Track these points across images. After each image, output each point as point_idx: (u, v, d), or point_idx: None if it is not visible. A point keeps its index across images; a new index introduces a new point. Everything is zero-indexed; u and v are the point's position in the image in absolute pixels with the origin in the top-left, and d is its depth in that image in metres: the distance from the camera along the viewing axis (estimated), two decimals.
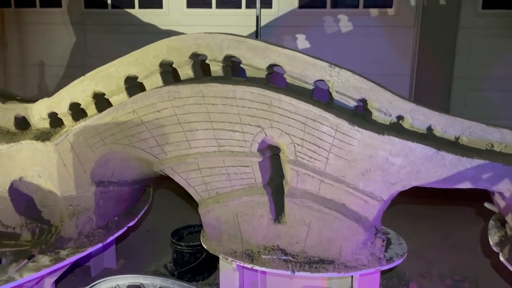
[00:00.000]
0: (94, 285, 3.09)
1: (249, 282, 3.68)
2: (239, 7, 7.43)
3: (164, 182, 4.31)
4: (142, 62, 3.45)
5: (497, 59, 6.87)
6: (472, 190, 3.12)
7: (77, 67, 7.96)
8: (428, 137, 3.12)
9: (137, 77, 3.50)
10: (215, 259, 4.29)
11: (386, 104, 3.14)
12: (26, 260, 3.24)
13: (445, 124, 3.11)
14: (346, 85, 3.15)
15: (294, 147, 3.17)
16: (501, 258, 3.16)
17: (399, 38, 7.01)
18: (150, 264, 4.61)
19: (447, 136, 3.13)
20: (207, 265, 4.35)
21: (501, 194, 3.06)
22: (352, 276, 3.46)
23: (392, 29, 7.01)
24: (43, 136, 3.64)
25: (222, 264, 3.64)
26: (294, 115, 3.10)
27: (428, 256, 4.76)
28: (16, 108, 3.79)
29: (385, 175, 3.09)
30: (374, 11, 7.01)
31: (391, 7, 6.98)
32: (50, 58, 8.25)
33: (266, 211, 3.32)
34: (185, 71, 3.42)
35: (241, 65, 3.35)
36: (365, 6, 7.07)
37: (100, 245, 3.56)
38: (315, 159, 3.15)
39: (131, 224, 3.91)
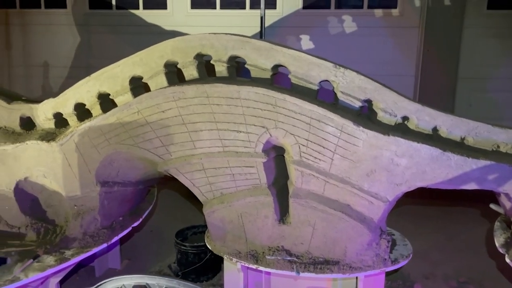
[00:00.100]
0: (100, 285, 3.10)
1: (253, 283, 3.67)
2: (243, 7, 7.44)
3: (168, 182, 4.31)
4: (147, 62, 3.45)
5: (502, 59, 6.85)
6: (477, 191, 3.11)
7: (82, 67, 7.98)
8: (433, 138, 3.11)
9: (142, 78, 3.50)
10: (219, 260, 4.29)
11: (391, 105, 3.13)
12: (31, 260, 3.25)
13: (450, 125, 3.10)
14: (351, 85, 3.15)
15: (299, 147, 3.16)
16: (507, 260, 3.14)
17: (404, 38, 7.00)
18: (154, 265, 4.61)
19: (452, 136, 3.11)
20: (211, 265, 4.35)
21: (507, 195, 3.04)
22: (356, 277, 3.45)
23: (397, 29, 7.00)
24: (48, 137, 3.65)
25: (227, 264, 3.64)
26: (299, 116, 3.10)
27: (432, 257, 4.74)
28: (22, 109, 3.80)
29: (390, 176, 3.08)
30: (378, 12, 7.00)
31: (395, 7, 6.97)
32: (54, 58, 8.28)
33: (270, 212, 3.31)
34: (190, 72, 3.42)
35: (246, 66, 3.35)
36: (370, 7, 7.06)
37: (104, 245, 3.57)
38: (320, 159, 3.14)
39: (135, 224, 3.91)
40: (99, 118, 3.48)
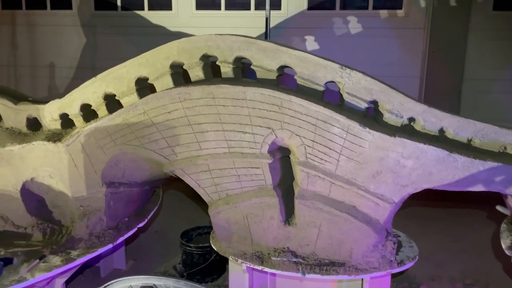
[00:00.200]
0: (107, 286, 3.10)
1: (258, 284, 3.67)
2: (248, 8, 7.45)
3: (173, 183, 4.31)
4: (152, 63, 3.46)
5: (507, 61, 6.81)
6: (483, 192, 3.09)
7: (87, 68, 8.02)
8: (440, 139, 3.09)
9: (147, 79, 3.51)
10: (224, 261, 4.29)
11: (397, 106, 3.12)
12: (38, 260, 3.27)
13: (457, 126, 3.08)
14: (357, 86, 3.14)
15: (305, 148, 3.16)
16: None
17: (409, 39, 6.98)
18: (159, 265, 4.62)
19: (459, 138, 3.10)
20: (216, 266, 4.35)
21: None
22: (362, 279, 3.44)
23: (402, 30, 6.98)
24: (55, 137, 3.67)
25: (232, 265, 3.64)
26: (304, 117, 3.09)
27: (438, 259, 4.72)
28: (28, 109, 3.82)
29: (396, 177, 3.07)
30: (383, 13, 6.98)
31: (400, 8, 6.95)
32: (60, 59, 8.32)
33: (276, 213, 3.31)
34: (196, 73, 3.42)
35: (252, 67, 3.35)
36: (375, 8, 7.04)
37: (110, 245, 3.57)
38: (325, 161, 3.14)
39: (141, 225, 3.92)
40: (105, 119, 3.49)
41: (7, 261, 3.24)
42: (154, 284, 3.03)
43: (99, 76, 3.62)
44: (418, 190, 3.10)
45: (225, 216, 3.42)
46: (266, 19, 6.50)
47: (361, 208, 3.17)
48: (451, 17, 6.79)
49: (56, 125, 3.82)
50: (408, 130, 3.13)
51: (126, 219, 3.86)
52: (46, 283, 3.40)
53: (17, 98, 3.92)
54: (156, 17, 7.73)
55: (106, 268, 4.41)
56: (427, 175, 3.01)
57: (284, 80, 3.46)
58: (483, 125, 3.06)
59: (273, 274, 3.63)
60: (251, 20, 7.30)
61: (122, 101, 3.60)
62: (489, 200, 3.50)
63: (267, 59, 3.27)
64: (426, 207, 5.75)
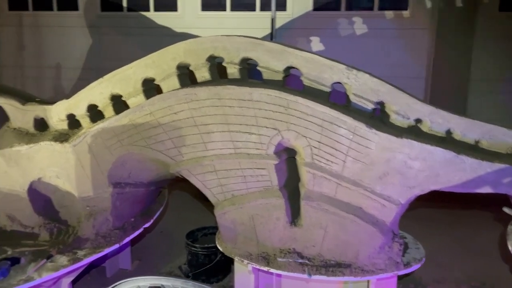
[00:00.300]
0: (115, 286, 3.11)
1: (264, 285, 3.66)
2: (253, 9, 7.45)
3: (178, 183, 4.32)
4: (159, 64, 3.47)
5: None
6: (490, 194, 3.07)
7: (93, 69, 8.06)
8: (447, 141, 3.08)
9: (154, 80, 3.52)
10: (230, 261, 4.29)
11: (404, 107, 3.11)
12: (45, 260, 3.28)
13: (464, 128, 3.07)
14: (364, 87, 3.13)
15: (311, 149, 3.15)
16: None
17: (414, 40, 6.95)
18: (164, 266, 4.63)
19: (466, 139, 3.08)
20: (222, 267, 4.35)
21: None
22: (368, 281, 3.43)
23: (407, 31, 6.96)
24: (62, 138, 3.68)
25: (237, 266, 3.64)
26: (311, 118, 3.09)
27: (444, 261, 4.70)
28: (36, 110, 3.84)
29: (403, 178, 3.05)
30: (389, 13, 6.97)
31: (406, 9, 6.93)
32: (66, 60, 8.37)
33: (282, 214, 3.30)
34: (202, 74, 3.43)
35: (258, 68, 3.35)
36: (380, 9, 7.03)
37: (116, 245, 3.59)
38: (332, 162, 3.13)
39: (147, 225, 3.93)
40: (111, 120, 3.50)
41: (15, 261, 3.26)
42: (162, 285, 3.03)
43: (106, 77, 3.64)
44: (425, 192, 3.09)
45: (231, 217, 3.42)
46: (272, 20, 6.50)
47: (367, 210, 3.16)
48: (457, 17, 6.76)
49: (63, 125, 3.84)
50: (415, 132, 3.12)
51: (132, 219, 3.87)
52: (53, 282, 3.41)
53: (24, 98, 3.94)
54: (161, 18, 7.75)
55: (112, 268, 4.42)
56: (434, 176, 3.00)
57: (289, 81, 3.46)
58: (490, 126, 3.04)
59: (279, 275, 3.63)
60: (256, 21, 7.30)
61: (128, 102, 3.61)
62: (495, 202, 3.47)
63: (274, 60, 3.27)
64: (432, 209, 5.72)
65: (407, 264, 3.27)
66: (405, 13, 6.93)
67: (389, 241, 3.21)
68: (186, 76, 3.51)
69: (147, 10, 7.81)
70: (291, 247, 3.34)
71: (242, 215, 3.39)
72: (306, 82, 3.25)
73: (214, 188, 3.45)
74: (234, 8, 7.46)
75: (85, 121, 3.77)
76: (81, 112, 3.74)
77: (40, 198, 3.81)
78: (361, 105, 3.17)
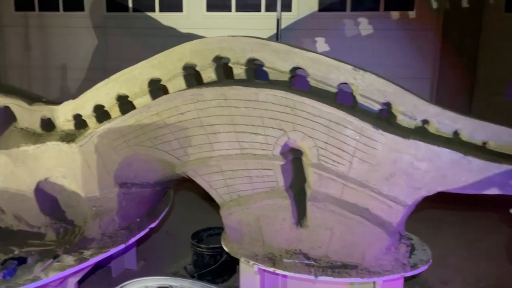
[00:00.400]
0: (123, 286, 3.12)
1: (269, 286, 3.66)
2: (259, 10, 7.46)
3: (184, 184, 4.33)
4: (165, 65, 3.48)
5: None
6: (497, 195, 3.05)
7: (99, 69, 8.10)
8: (454, 142, 3.07)
9: (160, 80, 3.53)
10: (235, 262, 4.29)
11: (411, 108, 3.10)
12: (51, 260, 3.29)
13: (472, 129, 3.05)
14: (371, 88, 3.12)
15: (317, 150, 3.15)
16: None
17: (420, 41, 6.95)
18: (170, 266, 4.63)
19: (474, 140, 3.06)
20: (227, 267, 4.34)
21: None
22: (374, 282, 3.41)
23: (413, 32, 6.94)
24: (68, 138, 3.70)
25: (243, 267, 3.64)
26: (317, 119, 3.09)
27: (451, 263, 4.67)
28: (42, 110, 3.85)
29: (409, 179, 3.04)
30: (395, 14, 6.96)
31: (412, 10, 6.91)
32: (72, 60, 8.42)
33: (288, 215, 3.30)
34: (208, 74, 3.43)
35: (264, 68, 3.35)
36: (386, 9, 7.01)
37: (122, 246, 3.59)
38: (338, 163, 3.13)
39: (152, 225, 3.93)
40: (118, 120, 3.51)
41: (21, 261, 3.27)
42: (170, 285, 3.04)
43: (112, 77, 3.65)
44: (432, 193, 3.08)
45: (236, 218, 3.42)
46: (277, 20, 6.50)
47: (374, 211, 3.15)
48: (463, 18, 6.74)
49: (70, 125, 3.85)
50: (421, 132, 3.11)
51: (138, 219, 3.88)
52: (59, 282, 3.42)
53: (31, 99, 3.96)
54: (167, 18, 7.78)
55: (117, 268, 4.43)
56: (441, 177, 2.99)
57: (295, 82, 3.46)
58: (498, 127, 3.02)
59: (284, 276, 3.62)
60: (262, 22, 7.31)
61: (134, 102, 3.62)
62: (502, 203, 3.45)
63: (280, 60, 3.27)
64: (438, 210, 5.69)
65: (413, 266, 3.26)
66: (411, 14, 6.92)
67: (395, 243, 3.20)
68: (192, 77, 3.52)
69: (153, 10, 7.85)
70: (297, 248, 3.33)
71: (248, 216, 3.39)
72: (312, 82, 3.25)
73: (220, 189, 3.45)
74: (239, 8, 7.48)
75: (91, 121, 3.78)
76: (87, 113, 3.76)
77: (47, 198, 3.82)
78: (368, 105, 3.16)
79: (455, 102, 6.85)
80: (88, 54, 8.27)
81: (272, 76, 3.35)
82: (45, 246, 3.54)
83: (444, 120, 3.07)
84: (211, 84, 3.35)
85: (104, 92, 3.68)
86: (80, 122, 3.82)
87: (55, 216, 3.80)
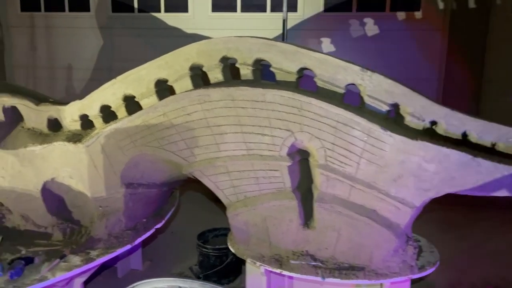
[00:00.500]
0: (133, 287, 3.11)
1: (276, 287, 3.65)
2: (264, 10, 7.46)
3: (189, 184, 4.32)
4: (172, 65, 3.48)
5: None
6: (506, 197, 3.03)
7: (104, 70, 8.12)
8: (463, 143, 3.04)
9: (167, 80, 3.53)
10: (241, 263, 4.28)
11: (419, 109, 3.08)
12: (58, 260, 3.30)
13: (481, 130, 3.02)
14: (378, 89, 3.11)
15: (325, 151, 3.13)
16: None
17: (427, 41, 6.91)
18: (175, 266, 4.62)
19: (483, 142, 3.04)
20: (233, 268, 4.34)
21: None
22: (381, 284, 3.39)
23: (419, 32, 6.91)
24: (75, 138, 3.70)
25: (249, 268, 3.63)
26: (325, 119, 3.07)
27: (458, 265, 4.64)
28: (49, 110, 3.86)
29: (417, 181, 3.02)
30: (401, 14, 6.93)
31: (418, 10, 6.88)
32: (77, 61, 8.44)
33: (295, 216, 3.29)
34: (215, 75, 3.43)
35: (271, 69, 3.34)
36: (392, 10, 6.99)
37: (129, 246, 3.59)
38: (345, 164, 3.11)
39: (158, 226, 3.93)
40: (125, 120, 3.51)
41: (29, 260, 3.28)
42: (180, 287, 3.03)
43: (119, 78, 3.65)
44: (440, 195, 3.06)
45: (243, 218, 3.42)
46: (283, 21, 6.49)
47: (381, 212, 3.14)
48: (470, 18, 6.70)
49: (76, 126, 3.85)
50: (430, 134, 3.09)
51: (144, 220, 3.88)
52: (66, 283, 3.42)
53: (38, 99, 3.97)
54: (172, 19, 7.78)
55: (123, 268, 4.43)
56: (449, 179, 2.97)
57: (302, 82, 3.45)
58: (507, 129, 3.00)
59: (291, 277, 3.61)
60: (267, 22, 7.31)
61: (141, 103, 3.62)
62: (509, 205, 3.43)
63: (287, 61, 3.26)
64: (445, 211, 5.66)
65: (421, 268, 3.24)
66: (417, 14, 6.89)
67: (403, 244, 3.18)
68: (199, 77, 3.51)
69: (158, 11, 7.86)
70: (304, 249, 3.32)
71: (255, 217, 3.38)
72: (319, 83, 3.23)
73: (227, 189, 3.44)
74: (245, 9, 7.48)
75: (98, 121, 3.78)
76: (94, 113, 3.76)
77: (53, 198, 3.83)
78: (375, 106, 3.14)
79: (462, 103, 6.81)
80: (94, 55, 8.29)
81: (279, 76, 3.34)
82: (52, 246, 3.55)
83: (453, 122, 3.04)
84: (218, 84, 3.35)
85: (110, 93, 3.69)
86: (86, 122, 3.83)
87: (62, 216, 3.81)
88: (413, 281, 4.04)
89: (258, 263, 3.37)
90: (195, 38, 3.56)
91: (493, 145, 3.03)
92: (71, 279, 3.43)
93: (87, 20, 8.20)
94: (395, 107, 3.16)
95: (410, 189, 3.05)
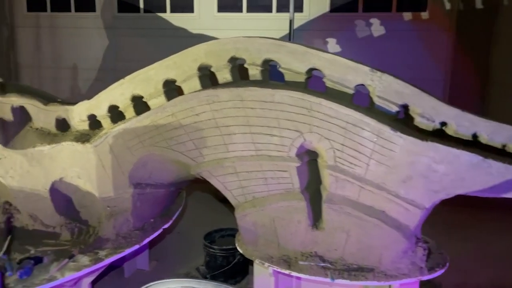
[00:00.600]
0: None
1: None
2: (270, 11, 7.45)
3: (196, 184, 4.32)
4: (180, 66, 3.47)
5: None
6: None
7: (109, 70, 8.13)
8: (473, 144, 3.03)
9: (175, 81, 3.53)
10: (248, 263, 4.28)
11: (429, 110, 3.06)
12: (67, 260, 3.30)
13: (491, 131, 3.01)
14: (388, 90, 3.09)
15: (334, 152, 3.13)
16: None
17: (433, 42, 6.88)
18: (182, 267, 4.62)
19: (493, 143, 3.02)
20: (240, 268, 4.34)
21: None
22: (389, 286, 3.38)
23: (426, 33, 6.88)
24: (83, 138, 3.71)
25: (257, 268, 3.62)
26: (334, 120, 3.06)
27: (464, 266, 4.61)
28: (57, 110, 3.87)
29: (427, 182, 3.01)
30: (407, 15, 6.90)
31: (425, 10, 6.86)
32: (83, 61, 8.45)
33: (303, 217, 3.28)
34: (224, 75, 3.43)
35: (280, 69, 3.34)
36: (398, 10, 6.97)
37: (137, 246, 3.59)
38: (355, 165, 3.10)
39: (166, 226, 3.93)
40: (133, 121, 3.51)
41: (38, 260, 3.29)
42: (193, 287, 3.03)
43: (127, 78, 3.65)
44: (450, 196, 3.05)
45: (252, 219, 3.41)
46: (290, 21, 6.48)
47: (390, 213, 3.12)
48: (476, 19, 6.67)
49: (84, 126, 3.86)
50: (440, 135, 3.07)
51: (152, 220, 3.88)
52: (74, 283, 3.43)
53: (46, 99, 3.97)
54: (178, 19, 7.78)
55: (129, 268, 4.43)
56: (459, 180, 2.95)
57: (310, 83, 3.44)
58: None
59: (299, 278, 3.60)
60: (273, 22, 7.30)
61: (149, 103, 3.62)
62: None
63: (296, 61, 3.25)
64: (450, 212, 5.63)
65: (431, 269, 3.22)
66: (424, 15, 6.87)
67: (412, 246, 3.16)
68: (207, 78, 3.51)
69: (164, 11, 7.86)
70: (313, 250, 3.31)
71: (263, 217, 3.37)
72: (328, 83, 3.22)
73: (235, 190, 3.44)
74: (251, 9, 7.47)
75: (106, 121, 3.78)
76: (102, 113, 3.76)
77: (62, 198, 3.84)
78: (385, 107, 3.13)
79: (468, 103, 6.77)
80: (99, 55, 8.30)
81: (288, 77, 3.33)
82: (60, 246, 3.55)
83: (464, 123, 3.03)
84: (226, 85, 3.35)
85: (119, 93, 3.69)
86: (94, 123, 3.83)
87: (70, 216, 3.82)
88: (420, 282, 4.03)
89: (266, 264, 3.36)
90: (201, 38, 3.56)
91: (504, 146, 3.02)
92: (79, 279, 3.44)
93: (92, 20, 8.21)
94: (405, 108, 3.14)
95: (419, 190, 3.04)
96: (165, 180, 3.80)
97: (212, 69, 3.45)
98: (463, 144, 3.00)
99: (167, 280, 3.11)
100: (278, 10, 7.34)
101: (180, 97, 3.37)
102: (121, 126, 3.55)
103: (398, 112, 3.15)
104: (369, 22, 7.03)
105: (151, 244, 4.83)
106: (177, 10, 7.79)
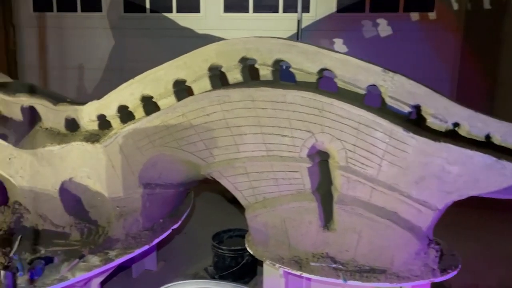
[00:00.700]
0: None
1: None
2: (276, 11, 7.44)
3: (204, 185, 4.30)
4: (190, 66, 3.47)
5: None
6: None
7: (115, 70, 8.13)
8: (486, 145, 3.00)
9: (185, 81, 3.52)
10: (256, 264, 4.26)
11: (441, 111, 3.04)
12: (77, 260, 3.30)
13: (504, 132, 2.99)
14: (400, 90, 3.08)
15: (346, 153, 3.11)
16: None
17: (440, 42, 6.86)
18: (189, 267, 4.61)
19: (506, 144, 3.00)
20: (248, 269, 4.32)
21: None
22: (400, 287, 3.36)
23: (433, 33, 6.86)
24: (92, 138, 3.70)
25: (267, 269, 3.60)
26: (346, 121, 3.05)
27: (474, 268, 4.57)
28: (67, 110, 3.87)
29: (440, 183, 2.99)
30: (414, 15, 6.88)
31: (432, 11, 6.83)
32: (89, 61, 8.45)
33: (315, 218, 3.27)
34: (234, 75, 3.42)
35: (291, 69, 3.32)
36: (405, 10, 6.94)
37: (146, 246, 3.59)
38: (367, 165, 3.08)
39: (175, 226, 3.92)
40: (143, 121, 3.50)
41: (48, 260, 3.28)
42: None
43: (137, 78, 3.65)
44: (464, 197, 3.02)
45: (262, 220, 3.40)
46: (298, 21, 6.47)
47: (403, 215, 3.10)
48: (485, 19, 6.64)
49: (94, 126, 3.86)
50: (452, 135, 3.05)
51: (161, 220, 3.87)
52: (84, 283, 3.43)
53: (56, 99, 3.98)
54: (184, 19, 7.78)
55: (137, 269, 4.43)
56: (473, 181, 2.93)
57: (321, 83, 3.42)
58: None
59: (309, 279, 3.58)
60: (279, 23, 7.29)
61: (159, 103, 3.61)
62: None
63: (307, 61, 3.24)
64: (458, 214, 5.59)
65: (443, 271, 3.20)
66: (431, 15, 6.84)
67: (425, 247, 3.14)
68: (218, 78, 3.50)
69: (170, 11, 7.86)
70: (324, 251, 3.29)
71: (274, 218, 3.36)
72: (340, 84, 3.21)
73: (246, 191, 3.43)
74: (257, 9, 7.46)
75: (115, 121, 3.78)
76: (111, 113, 3.76)
77: (71, 198, 3.83)
78: (397, 108, 3.11)
79: (476, 104, 6.73)
80: (105, 55, 8.30)
81: (299, 77, 3.32)
82: (70, 246, 3.55)
83: (477, 123, 3.01)
84: (237, 85, 3.34)
85: (128, 93, 3.68)
86: (104, 123, 3.83)
87: (79, 216, 3.81)
88: (431, 284, 4.00)
89: (277, 265, 3.35)
90: (207, 38, 3.56)
91: None
92: (89, 279, 3.43)
93: (99, 20, 8.22)
94: (417, 108, 3.12)
95: (432, 192, 3.02)
96: (175, 180, 3.79)
97: (223, 69, 3.45)
98: (476, 145, 2.98)
99: (185, 281, 3.11)
100: (285, 11, 7.32)
101: (190, 97, 3.36)
102: (131, 126, 3.55)
103: (410, 112, 3.13)
104: (376, 22, 7.01)
105: (159, 244, 4.81)
106: (183, 10, 7.79)
